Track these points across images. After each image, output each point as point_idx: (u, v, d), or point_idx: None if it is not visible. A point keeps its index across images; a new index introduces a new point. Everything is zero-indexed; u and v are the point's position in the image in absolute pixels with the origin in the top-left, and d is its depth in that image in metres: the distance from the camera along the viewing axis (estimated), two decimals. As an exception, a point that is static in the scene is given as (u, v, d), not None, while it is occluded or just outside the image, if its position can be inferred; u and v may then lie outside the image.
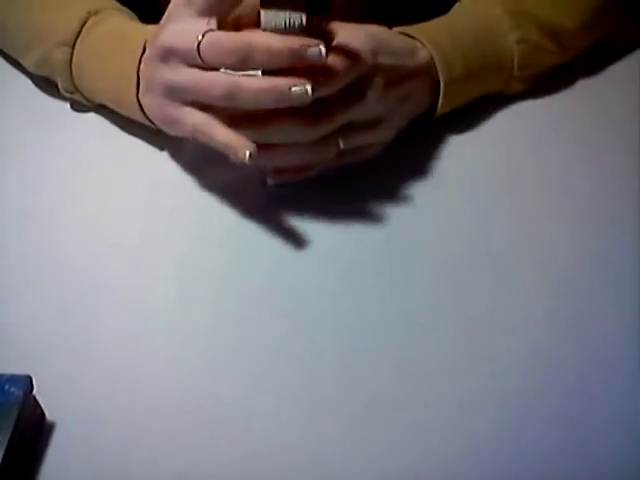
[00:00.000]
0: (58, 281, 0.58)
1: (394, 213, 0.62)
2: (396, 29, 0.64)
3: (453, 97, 0.65)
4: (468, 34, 0.66)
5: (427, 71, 0.64)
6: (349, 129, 0.60)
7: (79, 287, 0.58)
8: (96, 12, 0.66)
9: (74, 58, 0.66)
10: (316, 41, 0.53)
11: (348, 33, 0.58)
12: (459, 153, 0.66)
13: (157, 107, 0.59)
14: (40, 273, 0.59)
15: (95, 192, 0.64)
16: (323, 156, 0.60)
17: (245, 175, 0.64)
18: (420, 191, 0.63)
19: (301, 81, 0.53)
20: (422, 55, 0.63)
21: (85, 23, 0.65)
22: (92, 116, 0.69)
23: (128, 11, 0.68)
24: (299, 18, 0.53)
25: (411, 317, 0.56)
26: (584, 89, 0.71)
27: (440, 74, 0.64)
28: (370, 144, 0.62)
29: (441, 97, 0.64)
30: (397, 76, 0.61)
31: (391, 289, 0.57)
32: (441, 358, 0.53)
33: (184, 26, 0.55)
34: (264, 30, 0.54)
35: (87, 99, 0.68)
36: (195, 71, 0.55)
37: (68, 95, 0.69)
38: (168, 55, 0.56)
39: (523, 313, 0.56)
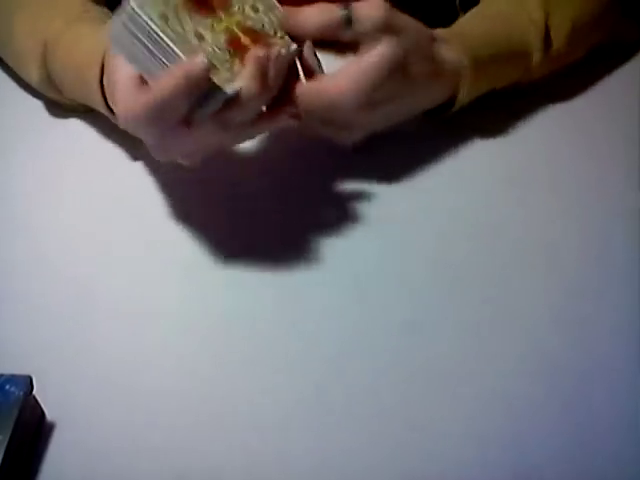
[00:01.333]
0: (58, 282, 0.58)
1: (397, 213, 0.62)
2: None
3: (479, 81, 0.63)
4: (497, 30, 0.65)
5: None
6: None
7: (79, 288, 0.58)
8: (55, 36, 0.64)
9: (53, 79, 0.65)
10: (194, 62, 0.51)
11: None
12: (463, 153, 0.66)
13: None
14: (41, 274, 0.59)
15: (95, 193, 0.64)
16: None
17: (246, 178, 0.64)
18: (424, 191, 0.63)
19: None
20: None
21: (46, 47, 0.64)
22: (89, 118, 0.68)
23: (96, 12, 0.66)
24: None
25: (415, 319, 0.56)
26: (583, 89, 0.71)
27: (465, 56, 0.62)
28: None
29: (466, 80, 0.62)
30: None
31: (394, 290, 0.57)
32: (445, 360, 0.53)
33: (128, 98, 0.54)
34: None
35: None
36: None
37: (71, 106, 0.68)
38: (129, 124, 0.56)
39: (528, 314, 0.55)
